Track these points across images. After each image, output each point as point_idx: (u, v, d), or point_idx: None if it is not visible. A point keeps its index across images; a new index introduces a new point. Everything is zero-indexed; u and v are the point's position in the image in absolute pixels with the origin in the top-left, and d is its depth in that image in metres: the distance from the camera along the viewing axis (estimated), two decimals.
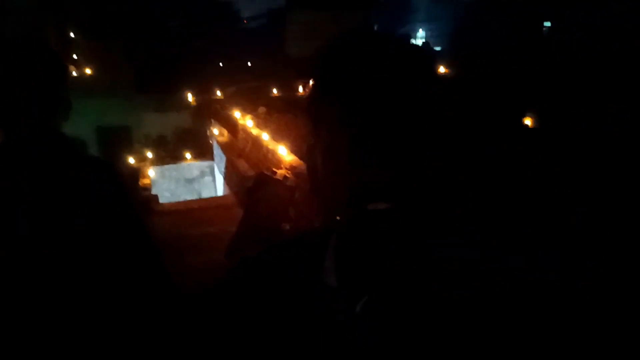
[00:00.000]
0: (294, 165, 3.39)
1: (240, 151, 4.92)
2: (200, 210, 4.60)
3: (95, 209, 1.12)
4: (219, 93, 8.04)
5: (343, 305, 0.81)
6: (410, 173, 0.78)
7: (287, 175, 3.40)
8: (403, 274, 0.83)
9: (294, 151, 3.66)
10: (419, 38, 24.98)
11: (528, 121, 6.84)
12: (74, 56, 10.49)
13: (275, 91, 8.40)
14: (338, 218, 0.78)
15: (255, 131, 4.49)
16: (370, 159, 0.70)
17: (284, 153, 3.60)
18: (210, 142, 6.93)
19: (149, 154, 6.59)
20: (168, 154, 7.01)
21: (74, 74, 10.07)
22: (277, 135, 4.18)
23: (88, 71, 9.96)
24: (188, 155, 7.11)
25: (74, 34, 10.67)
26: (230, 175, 5.21)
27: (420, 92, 0.76)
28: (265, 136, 4.16)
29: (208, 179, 7.06)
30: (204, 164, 7.01)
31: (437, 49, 18.88)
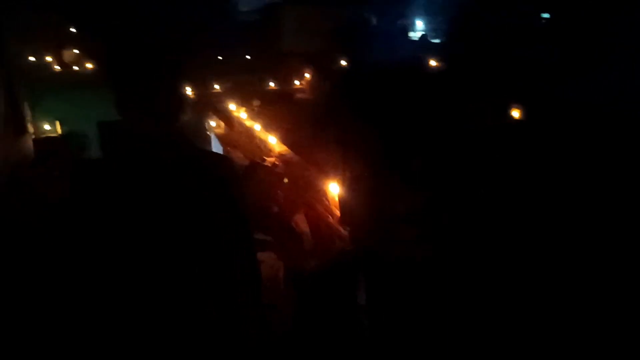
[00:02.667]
0: (282, 153, 3.67)
1: (236, 142, 5.20)
2: None
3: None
4: (217, 87, 8.31)
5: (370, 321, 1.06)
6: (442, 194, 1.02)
7: (276, 162, 3.69)
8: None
9: (284, 141, 3.94)
10: (418, 31, 25.11)
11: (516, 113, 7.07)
12: (75, 51, 10.74)
13: (270, 84, 8.65)
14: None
15: (248, 123, 4.77)
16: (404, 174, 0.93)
17: (274, 143, 3.87)
18: (208, 134, 7.20)
19: None
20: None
21: (76, 68, 10.34)
22: (269, 127, 4.45)
23: (89, 65, 10.23)
24: None
25: (75, 29, 10.92)
26: None
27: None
28: (257, 127, 4.44)
29: None
30: None
31: (436, 41, 19.03)
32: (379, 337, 1.74)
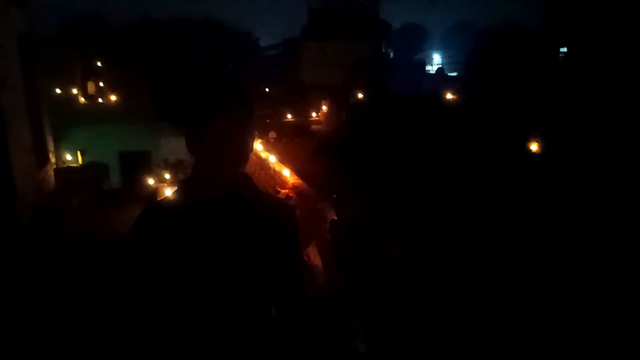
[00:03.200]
0: (296, 185, 3.69)
1: (250, 173, 5.25)
2: None
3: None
4: None
5: None
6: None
7: (290, 194, 3.70)
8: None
9: (298, 172, 3.96)
10: (434, 64, 25.46)
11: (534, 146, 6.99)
12: (100, 84, 11.09)
13: (287, 116, 8.76)
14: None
15: (263, 155, 4.82)
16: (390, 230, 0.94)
17: (288, 175, 3.90)
18: None
19: (167, 176, 6.98)
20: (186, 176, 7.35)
21: (100, 100, 10.66)
22: (284, 159, 4.49)
23: (113, 98, 10.53)
24: None
25: (100, 64, 11.32)
26: None
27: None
28: (272, 159, 4.49)
29: None
30: None
31: (453, 74, 19.24)
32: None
